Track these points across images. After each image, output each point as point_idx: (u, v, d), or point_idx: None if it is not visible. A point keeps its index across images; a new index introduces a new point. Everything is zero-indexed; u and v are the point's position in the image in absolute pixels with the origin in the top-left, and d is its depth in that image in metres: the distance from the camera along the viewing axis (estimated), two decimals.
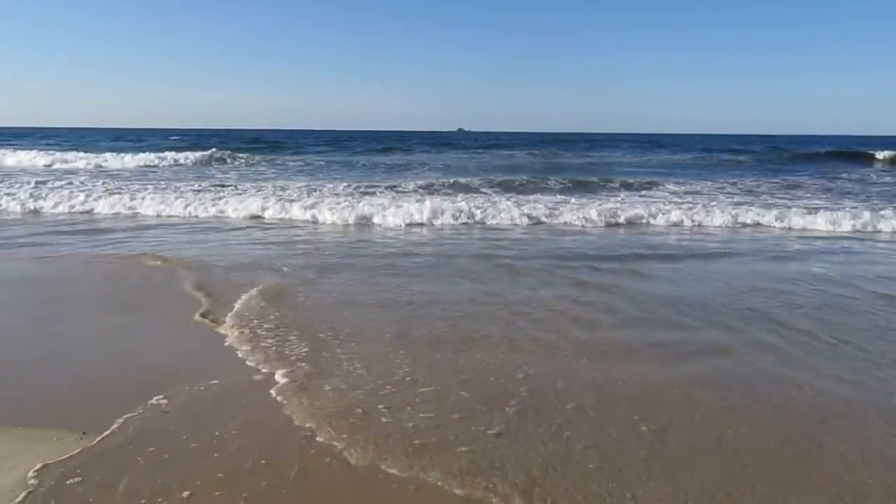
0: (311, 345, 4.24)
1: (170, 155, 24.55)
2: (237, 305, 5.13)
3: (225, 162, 24.22)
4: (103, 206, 11.56)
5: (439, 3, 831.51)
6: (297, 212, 11.01)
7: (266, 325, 4.63)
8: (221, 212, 11.17)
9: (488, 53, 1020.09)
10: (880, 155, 29.78)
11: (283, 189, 14.48)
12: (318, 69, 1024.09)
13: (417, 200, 11.86)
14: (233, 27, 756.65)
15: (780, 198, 14.86)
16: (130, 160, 23.31)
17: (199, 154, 25.25)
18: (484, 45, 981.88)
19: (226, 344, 4.30)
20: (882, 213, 11.34)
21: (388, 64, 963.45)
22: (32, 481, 2.66)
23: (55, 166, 22.05)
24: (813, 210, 11.64)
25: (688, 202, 13.15)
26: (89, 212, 11.38)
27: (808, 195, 15.79)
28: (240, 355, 4.08)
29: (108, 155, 24.29)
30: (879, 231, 10.40)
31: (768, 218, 11.02)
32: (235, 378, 3.71)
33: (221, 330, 4.57)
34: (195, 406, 3.37)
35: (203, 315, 4.93)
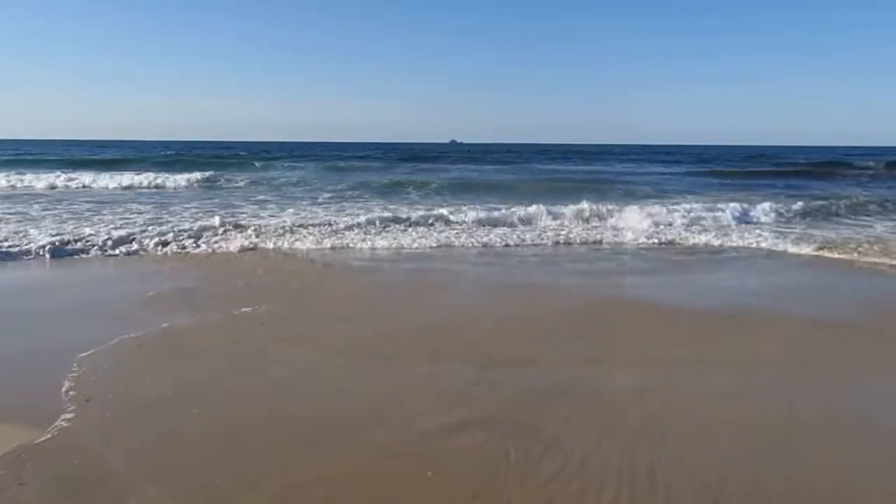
0: None
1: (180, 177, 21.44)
2: None
3: (228, 181, 21.31)
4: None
5: (438, 13, 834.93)
6: None
7: None
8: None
9: (486, 63, 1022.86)
10: None
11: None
12: (316, 77, 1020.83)
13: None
14: (225, 34, 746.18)
15: None
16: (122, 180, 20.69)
17: (203, 175, 22.32)
18: (482, 54, 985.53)
19: None
20: None
21: (387, 73, 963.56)
22: None
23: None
24: None
25: None
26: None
27: None
28: None
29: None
30: None
31: None
32: None
33: None
34: None
35: None
